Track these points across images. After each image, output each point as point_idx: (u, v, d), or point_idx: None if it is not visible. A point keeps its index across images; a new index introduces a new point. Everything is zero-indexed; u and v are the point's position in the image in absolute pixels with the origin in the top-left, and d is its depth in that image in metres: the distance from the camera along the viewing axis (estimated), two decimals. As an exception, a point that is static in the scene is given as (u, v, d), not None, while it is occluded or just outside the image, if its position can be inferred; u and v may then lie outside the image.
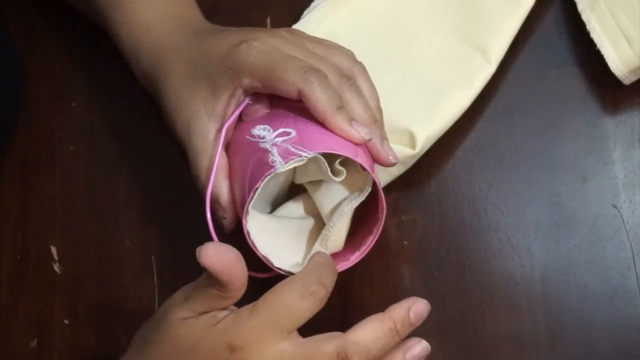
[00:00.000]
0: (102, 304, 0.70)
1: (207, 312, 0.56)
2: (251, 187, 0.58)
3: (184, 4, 0.70)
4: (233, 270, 0.55)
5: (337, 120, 0.60)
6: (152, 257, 0.71)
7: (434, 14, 0.73)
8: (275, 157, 0.57)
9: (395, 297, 0.66)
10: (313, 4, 0.74)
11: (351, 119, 0.60)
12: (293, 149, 0.57)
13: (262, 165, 0.58)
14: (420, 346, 0.58)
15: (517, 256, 0.67)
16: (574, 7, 0.70)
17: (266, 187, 0.59)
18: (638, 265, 0.66)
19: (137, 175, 0.73)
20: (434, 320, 0.64)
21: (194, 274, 0.65)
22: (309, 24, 0.73)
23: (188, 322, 0.56)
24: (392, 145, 0.64)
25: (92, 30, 0.74)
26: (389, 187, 0.69)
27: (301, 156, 0.57)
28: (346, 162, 0.60)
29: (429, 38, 0.72)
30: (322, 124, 0.60)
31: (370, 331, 0.56)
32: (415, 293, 0.66)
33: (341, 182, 0.60)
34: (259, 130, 0.59)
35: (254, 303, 0.55)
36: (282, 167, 0.57)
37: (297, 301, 0.55)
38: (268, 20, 0.76)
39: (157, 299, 0.69)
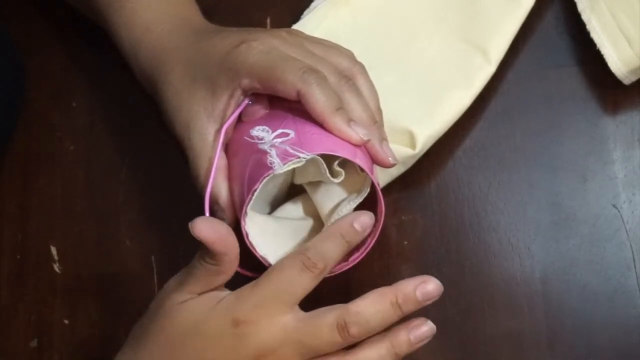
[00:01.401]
0: (102, 304, 0.70)
1: (204, 292, 0.57)
2: (250, 188, 0.58)
3: (183, 4, 0.70)
4: (226, 241, 0.56)
5: (336, 121, 0.60)
6: (152, 257, 0.71)
7: (434, 14, 0.73)
8: (274, 158, 0.57)
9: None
10: (313, 4, 0.74)
11: (350, 120, 0.60)
12: (291, 150, 0.57)
13: (261, 167, 0.58)
14: (426, 326, 0.58)
15: (517, 256, 0.67)
16: (574, 7, 0.70)
17: (265, 188, 0.59)
18: (638, 265, 0.66)
19: (137, 175, 0.73)
20: (434, 320, 0.64)
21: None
22: (309, 24, 0.73)
23: (187, 304, 0.57)
24: (392, 145, 0.64)
25: (92, 30, 0.74)
26: (389, 187, 0.69)
27: (299, 157, 0.57)
28: (345, 162, 0.60)
29: (429, 38, 0.72)
30: (321, 124, 0.60)
31: (371, 303, 0.56)
32: (415, 293, 0.66)
33: (340, 183, 0.60)
34: (258, 131, 0.59)
35: (256, 280, 0.56)
36: (281, 168, 0.57)
37: (297, 275, 0.56)
38: (268, 21, 0.76)
39: (157, 298, 0.69)
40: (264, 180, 0.57)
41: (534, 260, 0.67)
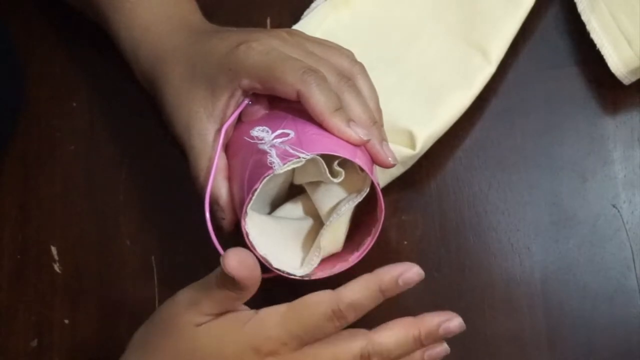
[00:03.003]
0: (102, 304, 0.70)
1: (220, 313, 0.56)
2: (250, 188, 0.58)
3: (183, 4, 0.70)
4: (254, 276, 0.55)
5: (335, 122, 0.60)
6: (152, 257, 0.71)
7: (434, 14, 0.73)
8: (274, 158, 0.57)
9: (395, 297, 0.66)
10: (313, 5, 0.74)
11: (349, 120, 0.60)
12: (291, 150, 0.57)
13: (261, 167, 0.58)
14: (441, 347, 0.58)
15: (517, 256, 0.67)
16: (574, 7, 0.70)
17: (265, 188, 0.59)
18: (638, 265, 0.66)
19: (137, 175, 0.73)
20: (435, 321, 0.64)
21: (194, 273, 0.65)
22: (309, 25, 0.73)
23: (206, 327, 0.56)
24: (392, 145, 0.64)
25: (92, 30, 0.74)
26: (389, 187, 0.69)
27: (299, 157, 0.57)
28: (345, 163, 0.60)
29: (429, 38, 0.72)
30: (320, 125, 0.60)
31: (395, 335, 0.56)
32: (415, 293, 0.66)
33: (340, 183, 0.60)
34: (258, 131, 0.59)
35: (283, 309, 0.55)
36: (281, 168, 0.57)
37: (325, 322, 0.55)
38: (268, 21, 0.76)
39: (157, 298, 0.69)
40: (264, 180, 0.57)
41: (534, 260, 0.67)
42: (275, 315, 0.55)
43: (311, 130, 0.60)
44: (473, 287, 0.67)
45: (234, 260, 0.54)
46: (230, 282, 0.55)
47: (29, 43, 0.77)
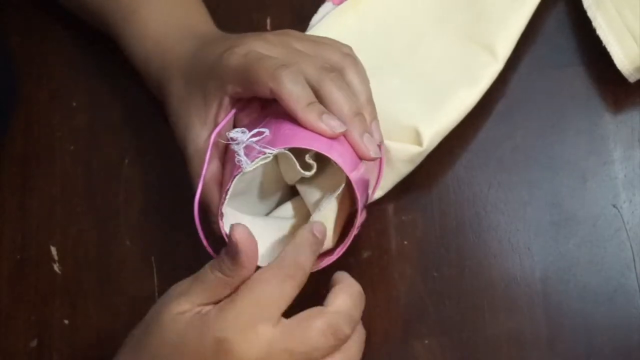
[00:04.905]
0: (102, 304, 0.70)
1: (206, 303, 0.57)
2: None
3: (195, 15, 0.70)
4: (254, 253, 0.56)
5: (307, 116, 0.59)
6: (152, 257, 0.71)
7: (440, 14, 0.73)
8: (242, 157, 0.58)
9: (395, 296, 0.66)
10: (320, 9, 0.74)
11: (322, 113, 0.59)
12: (258, 147, 0.58)
13: (234, 167, 0.58)
14: None
15: (517, 256, 0.67)
16: (578, 5, 0.70)
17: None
18: (638, 265, 0.66)
19: (137, 175, 0.73)
20: (434, 320, 0.65)
21: (194, 273, 0.64)
22: (317, 32, 0.72)
23: (179, 317, 0.56)
24: (399, 144, 0.64)
25: (92, 30, 0.74)
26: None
27: (265, 154, 0.57)
28: (329, 158, 0.59)
29: (436, 38, 0.72)
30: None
31: (346, 299, 0.57)
32: (415, 293, 0.66)
33: (325, 179, 0.60)
34: (234, 133, 0.59)
35: (235, 293, 0.56)
36: (249, 166, 0.57)
37: (278, 286, 0.55)
38: (268, 21, 0.76)
39: (157, 298, 0.69)
40: (235, 180, 0.58)
41: (534, 260, 0.67)
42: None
43: (287, 126, 0.60)
44: (473, 287, 0.67)
45: (243, 232, 0.55)
46: (229, 259, 0.55)
47: (29, 43, 0.77)
